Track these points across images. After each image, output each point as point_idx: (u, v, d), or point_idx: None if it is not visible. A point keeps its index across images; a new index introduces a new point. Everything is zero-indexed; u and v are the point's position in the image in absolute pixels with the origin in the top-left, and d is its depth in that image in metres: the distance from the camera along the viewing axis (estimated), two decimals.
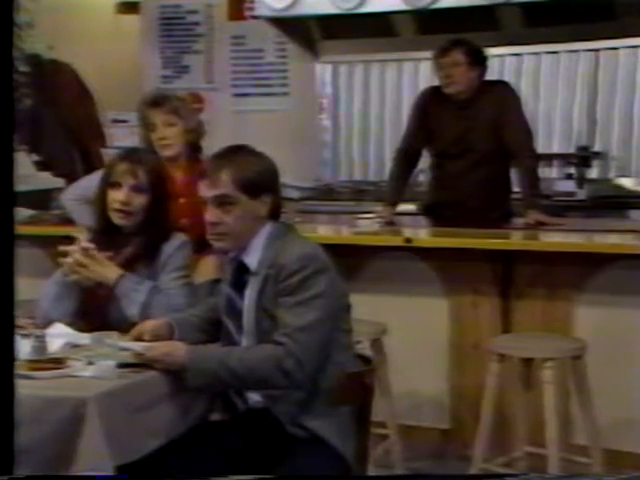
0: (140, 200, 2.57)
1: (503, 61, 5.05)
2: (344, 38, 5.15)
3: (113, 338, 2.31)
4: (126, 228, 2.60)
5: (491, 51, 4.96)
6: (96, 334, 2.34)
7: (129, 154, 2.66)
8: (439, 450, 3.57)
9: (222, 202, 2.21)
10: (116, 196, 2.56)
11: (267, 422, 2.20)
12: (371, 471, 2.39)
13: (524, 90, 4.96)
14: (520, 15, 4.68)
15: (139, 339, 2.29)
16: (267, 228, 2.27)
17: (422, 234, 3.78)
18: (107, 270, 2.54)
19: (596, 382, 3.06)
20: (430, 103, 3.99)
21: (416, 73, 5.24)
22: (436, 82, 4.00)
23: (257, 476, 1.82)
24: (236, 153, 2.27)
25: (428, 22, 4.82)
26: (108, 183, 2.60)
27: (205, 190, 2.24)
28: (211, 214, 2.23)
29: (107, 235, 2.59)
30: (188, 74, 5.60)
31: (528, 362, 3.12)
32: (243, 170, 2.22)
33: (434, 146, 4.00)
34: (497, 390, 3.04)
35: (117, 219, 2.58)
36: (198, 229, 2.61)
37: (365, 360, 2.40)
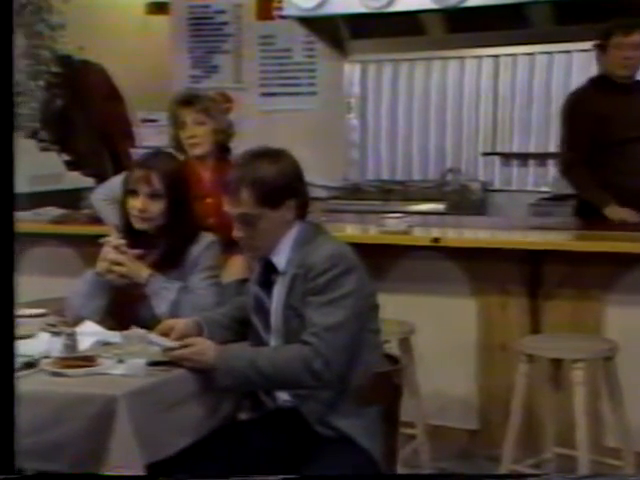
0: (157, 206, 2.57)
1: (533, 59, 5.01)
2: (372, 37, 5.14)
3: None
4: (150, 231, 2.61)
5: (521, 49, 4.95)
6: (127, 332, 2.36)
7: (144, 161, 2.67)
8: (467, 450, 3.56)
9: (245, 220, 2.22)
10: (134, 203, 2.58)
11: (295, 421, 2.20)
12: (399, 471, 2.38)
13: (555, 89, 4.93)
14: (550, 13, 4.65)
15: (166, 335, 2.30)
16: (295, 229, 2.27)
17: (450, 233, 3.76)
18: (139, 268, 2.56)
19: (627, 383, 3.03)
20: (595, 94, 3.86)
21: (445, 72, 5.21)
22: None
23: (283, 476, 1.82)
24: (254, 163, 2.23)
25: (457, 21, 4.79)
26: (126, 190, 2.61)
27: (228, 206, 2.24)
28: (237, 229, 2.24)
29: (133, 238, 2.61)
30: (217, 74, 5.62)
31: (558, 363, 3.09)
32: (262, 184, 2.19)
33: (609, 135, 3.81)
34: (526, 391, 3.02)
35: (137, 225, 2.60)
36: (226, 229, 2.61)
37: (393, 360, 2.40)
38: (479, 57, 5.09)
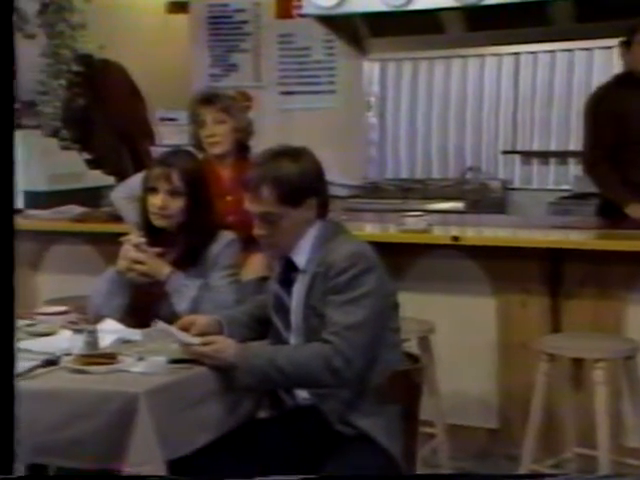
0: (177, 204, 2.58)
1: (554, 57, 4.98)
2: (392, 35, 5.12)
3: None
4: (169, 229, 2.62)
5: (542, 47, 4.92)
6: (147, 330, 2.37)
7: (164, 158, 2.67)
8: (486, 450, 3.55)
9: (267, 219, 2.22)
10: (154, 201, 2.59)
11: (315, 419, 2.20)
12: (418, 470, 2.38)
13: (576, 87, 4.90)
14: (571, 10, 4.61)
15: (186, 330, 2.31)
16: (315, 227, 2.27)
17: (470, 232, 3.75)
18: (159, 265, 2.57)
19: None
20: (619, 91, 3.82)
21: (464, 70, 5.19)
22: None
23: (302, 476, 1.82)
24: (275, 161, 2.23)
25: (477, 19, 4.77)
26: (146, 188, 2.63)
27: (249, 205, 2.24)
28: (258, 228, 2.24)
29: (153, 236, 2.62)
30: (236, 72, 5.63)
31: (578, 362, 3.08)
32: (283, 182, 2.20)
33: (634, 132, 3.77)
34: (546, 390, 3.00)
35: (157, 222, 2.60)
36: (245, 227, 2.62)
37: (413, 358, 2.40)
38: (499, 55, 5.07)
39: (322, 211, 2.28)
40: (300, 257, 2.26)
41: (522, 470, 3.02)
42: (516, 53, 5.03)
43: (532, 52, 4.99)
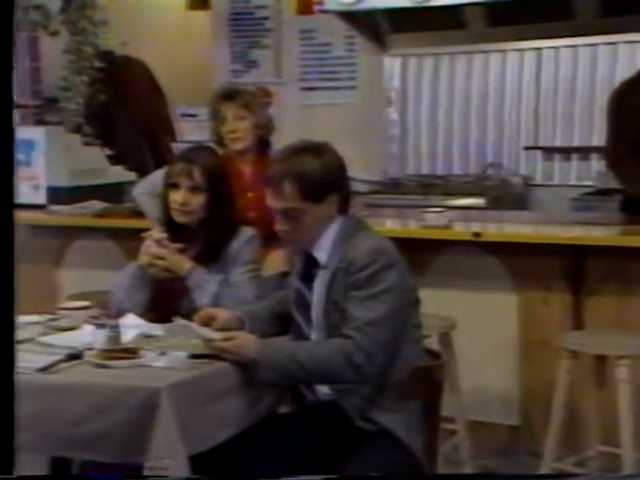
0: (198, 200, 2.59)
1: (576, 52, 4.94)
2: (413, 31, 5.10)
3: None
4: (190, 225, 2.63)
5: (564, 42, 4.88)
6: (169, 325, 2.38)
7: (185, 154, 2.68)
8: (508, 447, 3.53)
9: (289, 214, 2.22)
10: (175, 197, 2.60)
11: (335, 415, 2.20)
12: (440, 466, 2.37)
13: (599, 82, 4.85)
14: (594, 4, 4.57)
15: (206, 324, 2.32)
16: (337, 223, 2.26)
17: (491, 228, 3.73)
18: (180, 261, 2.58)
19: None
20: None
21: (486, 65, 5.17)
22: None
23: (324, 476, 1.82)
24: (297, 157, 2.23)
25: (498, 14, 4.74)
26: (168, 184, 2.63)
27: (271, 201, 2.24)
28: (280, 223, 2.24)
29: (174, 232, 2.63)
30: (257, 68, 5.63)
31: (601, 359, 3.05)
32: (305, 178, 2.19)
33: None
34: (568, 387, 2.99)
35: (178, 218, 2.61)
36: (266, 223, 2.62)
37: (434, 355, 2.39)
38: (521, 50, 5.04)
39: (344, 207, 2.28)
40: (321, 253, 2.26)
41: (544, 468, 3.01)
42: (538, 48, 4.99)
43: (554, 47, 4.95)
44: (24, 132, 4.69)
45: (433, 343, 3.00)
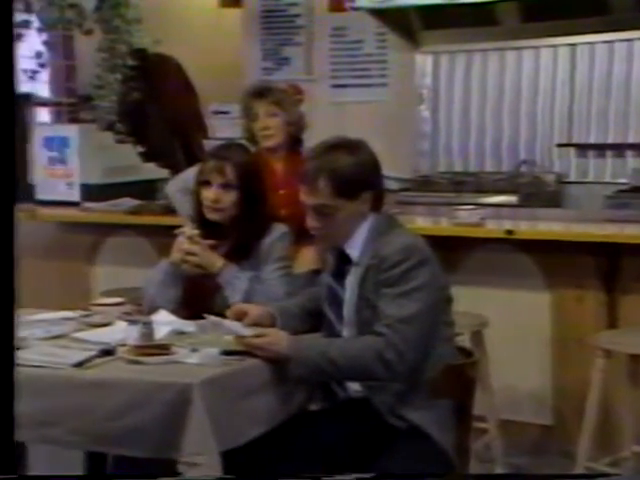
0: (230, 197, 2.60)
1: (612, 47, 4.87)
2: (445, 28, 5.07)
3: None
4: (222, 222, 2.63)
5: (599, 37, 4.82)
6: (201, 321, 2.39)
7: (218, 152, 2.69)
8: (540, 446, 3.50)
9: (322, 211, 2.22)
10: (207, 194, 2.61)
11: (366, 412, 2.20)
12: (471, 465, 2.36)
13: (635, 77, 4.78)
14: None
15: (238, 319, 2.33)
16: (369, 220, 2.26)
17: (524, 226, 3.70)
18: (212, 258, 2.59)
19: None
20: None
21: (519, 62, 5.12)
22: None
23: (356, 475, 1.82)
24: (332, 153, 2.23)
25: (532, 9, 4.69)
26: (200, 181, 2.64)
27: (304, 197, 2.24)
28: (312, 220, 2.24)
29: (206, 229, 2.64)
30: (288, 66, 5.63)
31: (636, 358, 3.02)
32: (340, 175, 2.19)
33: None
34: (602, 387, 2.95)
35: (210, 215, 2.62)
36: (297, 220, 2.63)
37: (466, 353, 2.38)
38: (555, 46, 4.98)
39: (377, 204, 2.27)
40: (353, 250, 2.26)
41: (577, 468, 2.98)
42: (572, 44, 4.93)
43: (589, 43, 4.89)
44: (59, 130, 4.74)
45: (465, 341, 2.98)
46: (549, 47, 5.00)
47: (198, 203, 2.66)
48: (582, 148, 4.99)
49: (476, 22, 4.91)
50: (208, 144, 4.38)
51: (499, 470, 3.23)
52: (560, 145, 5.04)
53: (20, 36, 4.37)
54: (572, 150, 5.02)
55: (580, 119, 4.99)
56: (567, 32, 4.80)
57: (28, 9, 4.33)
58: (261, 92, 3.35)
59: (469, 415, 2.26)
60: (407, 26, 5.19)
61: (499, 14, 4.84)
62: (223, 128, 4.86)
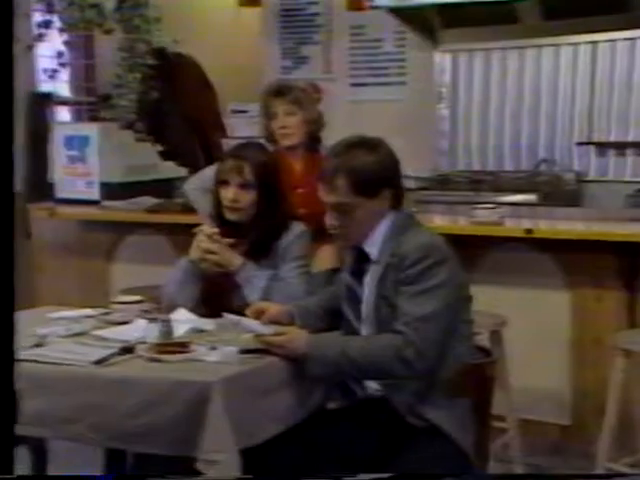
0: (249, 197, 2.60)
1: (633, 45, 4.84)
2: (464, 26, 5.06)
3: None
4: (241, 222, 2.64)
5: (620, 35, 4.78)
6: (220, 320, 2.40)
7: (236, 151, 2.69)
8: (559, 446, 3.49)
9: (341, 209, 2.22)
10: (226, 194, 2.61)
11: (385, 411, 2.20)
12: (490, 465, 2.35)
13: None
14: None
15: (257, 317, 2.33)
16: (389, 218, 2.26)
17: (543, 225, 3.68)
18: (231, 256, 2.60)
19: None
20: None
21: (539, 60, 5.10)
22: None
23: (375, 475, 1.82)
24: (351, 151, 2.22)
25: (552, 7, 4.67)
26: (218, 181, 2.65)
27: (323, 195, 2.24)
28: (331, 217, 2.24)
29: (225, 227, 2.65)
30: (307, 65, 5.64)
31: None
32: (359, 173, 2.19)
33: None
34: (622, 386, 2.94)
35: (228, 215, 2.63)
36: (316, 219, 2.63)
37: (485, 352, 2.37)
38: (575, 44, 4.95)
39: (396, 202, 2.27)
40: (372, 248, 2.26)
41: (597, 468, 2.96)
42: (594, 42, 4.90)
43: (610, 40, 4.86)
44: (79, 129, 4.77)
45: (484, 340, 2.98)
46: (570, 45, 4.97)
47: (217, 202, 2.66)
48: (602, 146, 4.97)
49: (496, 20, 4.89)
50: (226, 143, 4.40)
51: (518, 470, 3.22)
52: (580, 143, 5.02)
53: (42, 36, 4.40)
54: (592, 148, 4.99)
55: (600, 117, 4.96)
56: (588, 30, 4.78)
57: (50, 9, 4.36)
58: (280, 91, 3.35)
59: (488, 414, 2.26)
60: (426, 24, 5.18)
61: (519, 12, 4.82)
62: (241, 127, 4.87)
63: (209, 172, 3.25)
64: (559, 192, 4.80)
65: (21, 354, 2.15)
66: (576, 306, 3.49)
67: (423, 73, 5.35)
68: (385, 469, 2.14)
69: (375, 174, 2.21)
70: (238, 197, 2.60)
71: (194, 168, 4.28)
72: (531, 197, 4.67)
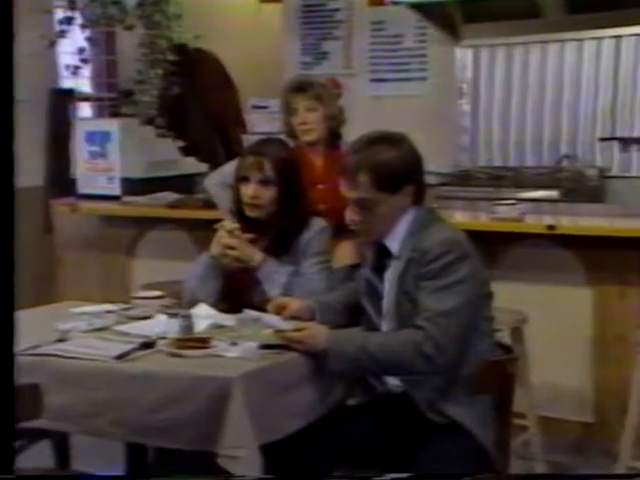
0: (269, 193, 2.60)
1: None
2: (486, 21, 5.03)
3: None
4: (261, 218, 2.64)
5: None
6: (240, 315, 2.40)
7: (256, 147, 2.69)
8: (581, 444, 3.47)
9: (363, 205, 2.21)
10: (246, 190, 2.61)
11: (405, 407, 2.19)
12: (511, 462, 2.34)
13: None
14: None
15: (278, 313, 2.33)
16: (410, 214, 2.25)
17: (565, 221, 3.66)
18: (252, 252, 2.60)
19: None
20: None
21: (561, 55, 5.06)
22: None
23: (394, 475, 1.82)
24: (373, 147, 2.22)
25: (576, 1, 4.63)
26: (239, 177, 2.65)
27: (345, 190, 2.23)
28: (353, 213, 2.24)
29: (246, 222, 2.65)
30: (327, 60, 5.63)
31: None
32: (382, 168, 2.18)
33: None
34: None
35: (249, 212, 2.63)
36: (336, 215, 2.62)
37: (506, 349, 2.36)
38: (599, 39, 4.91)
39: (418, 198, 2.26)
40: (394, 243, 2.25)
41: (619, 467, 2.94)
42: (617, 36, 4.86)
43: (635, 35, 4.81)
44: (100, 124, 4.80)
45: (504, 337, 2.96)
46: (593, 39, 4.92)
47: (237, 199, 2.67)
48: (625, 142, 4.92)
49: (518, 15, 4.85)
50: (247, 139, 4.40)
51: (539, 468, 3.20)
52: (603, 139, 4.97)
53: (64, 33, 4.43)
54: (615, 144, 4.95)
55: (623, 112, 4.92)
56: (612, 24, 4.73)
57: (72, 6, 4.39)
58: (301, 87, 3.35)
59: (508, 411, 2.24)
60: (447, 19, 5.15)
61: (542, 6, 4.79)
62: (262, 123, 4.87)
63: (229, 168, 3.25)
64: (581, 188, 4.77)
65: (44, 349, 2.18)
66: (598, 303, 3.46)
67: (444, 68, 5.33)
68: (405, 465, 2.13)
69: (397, 169, 2.20)
70: (258, 193, 2.60)
71: (215, 164, 4.29)
72: (553, 193, 4.64)
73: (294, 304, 2.39)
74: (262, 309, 2.40)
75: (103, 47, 5.51)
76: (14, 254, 1.15)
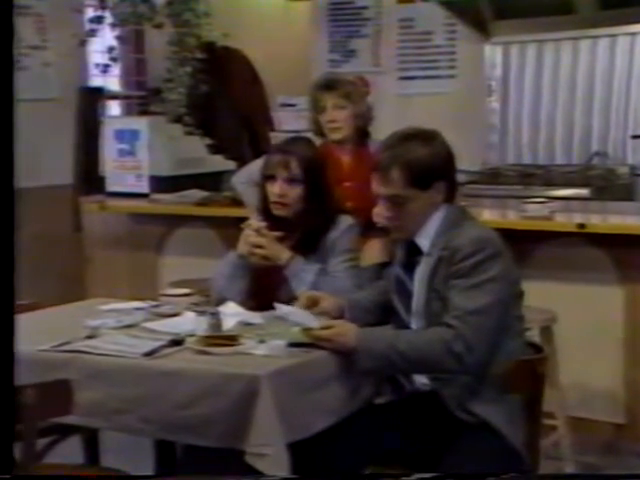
0: (296, 191, 2.59)
1: None
2: (517, 17, 4.99)
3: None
4: (288, 217, 2.63)
5: None
6: (268, 313, 2.40)
7: (283, 146, 2.69)
8: (613, 445, 3.43)
9: (395, 201, 2.20)
10: (272, 189, 2.61)
11: (434, 405, 2.18)
12: (541, 463, 2.32)
13: None
14: None
15: (308, 307, 2.33)
16: (441, 211, 2.24)
17: (595, 219, 3.62)
18: (279, 250, 2.60)
19: None
20: None
21: (594, 51, 5.00)
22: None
23: (418, 475, 1.81)
24: (406, 143, 2.21)
25: None
26: (265, 175, 2.65)
27: (377, 187, 2.22)
28: (385, 210, 2.23)
29: (273, 221, 2.65)
30: (355, 58, 5.62)
31: None
32: (414, 165, 2.17)
33: None
34: None
35: (275, 210, 2.63)
36: (364, 213, 2.61)
37: (536, 348, 2.34)
38: (633, 34, 4.84)
39: (450, 195, 2.25)
40: (424, 240, 2.24)
41: None
42: None
43: None
44: (129, 122, 4.82)
45: (534, 336, 2.93)
46: (627, 35, 4.86)
47: (264, 197, 2.66)
48: None
49: (549, 11, 4.80)
50: (275, 136, 4.41)
51: (569, 468, 3.17)
52: (635, 137, 4.91)
53: (94, 31, 4.46)
54: None
55: None
56: None
57: (102, 5, 4.42)
58: (329, 85, 3.34)
59: (538, 411, 2.22)
60: (477, 16, 5.12)
61: (575, 2, 4.73)
62: (290, 120, 4.87)
63: (256, 166, 3.26)
64: (612, 186, 4.71)
65: (74, 345, 2.19)
66: (630, 302, 3.42)
67: (473, 66, 5.29)
68: (434, 464, 2.12)
69: (430, 166, 2.19)
70: (285, 192, 2.60)
71: (242, 161, 4.30)
72: (583, 191, 4.59)
73: (325, 301, 2.38)
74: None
75: (132, 46, 5.54)
76: (14, 254, 1.15)
